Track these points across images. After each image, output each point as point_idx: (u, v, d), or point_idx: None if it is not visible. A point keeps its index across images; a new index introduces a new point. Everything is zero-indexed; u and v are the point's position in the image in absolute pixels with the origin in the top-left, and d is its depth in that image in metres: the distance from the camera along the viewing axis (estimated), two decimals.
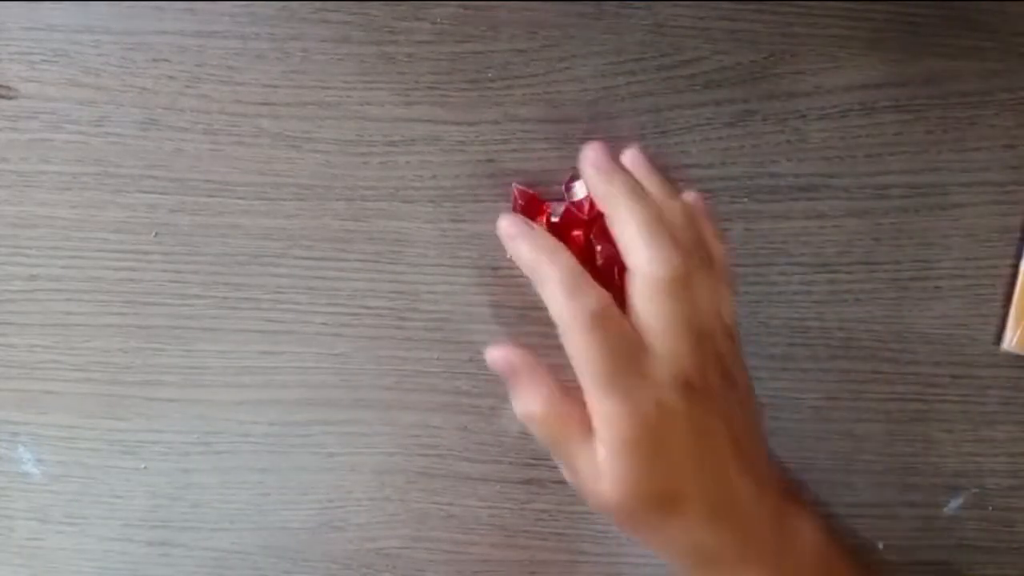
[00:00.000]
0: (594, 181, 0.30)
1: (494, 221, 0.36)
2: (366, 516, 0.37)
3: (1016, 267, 0.36)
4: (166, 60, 0.36)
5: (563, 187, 0.35)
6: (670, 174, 0.33)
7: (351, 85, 0.35)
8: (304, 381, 0.37)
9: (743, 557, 0.28)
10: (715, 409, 0.28)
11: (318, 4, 0.35)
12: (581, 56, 0.35)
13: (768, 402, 0.36)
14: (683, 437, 0.27)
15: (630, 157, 0.32)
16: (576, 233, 0.36)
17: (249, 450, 0.37)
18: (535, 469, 0.37)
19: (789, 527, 0.29)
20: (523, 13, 0.35)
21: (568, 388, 0.29)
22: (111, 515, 0.38)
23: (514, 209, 0.35)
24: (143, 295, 0.37)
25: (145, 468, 0.38)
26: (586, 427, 0.28)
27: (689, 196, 0.32)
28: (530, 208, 0.35)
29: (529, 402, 0.29)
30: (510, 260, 0.36)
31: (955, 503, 0.37)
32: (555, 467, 0.37)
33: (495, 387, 0.37)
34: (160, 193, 0.36)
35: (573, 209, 0.35)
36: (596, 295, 0.28)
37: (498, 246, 0.36)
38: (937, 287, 0.36)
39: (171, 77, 0.36)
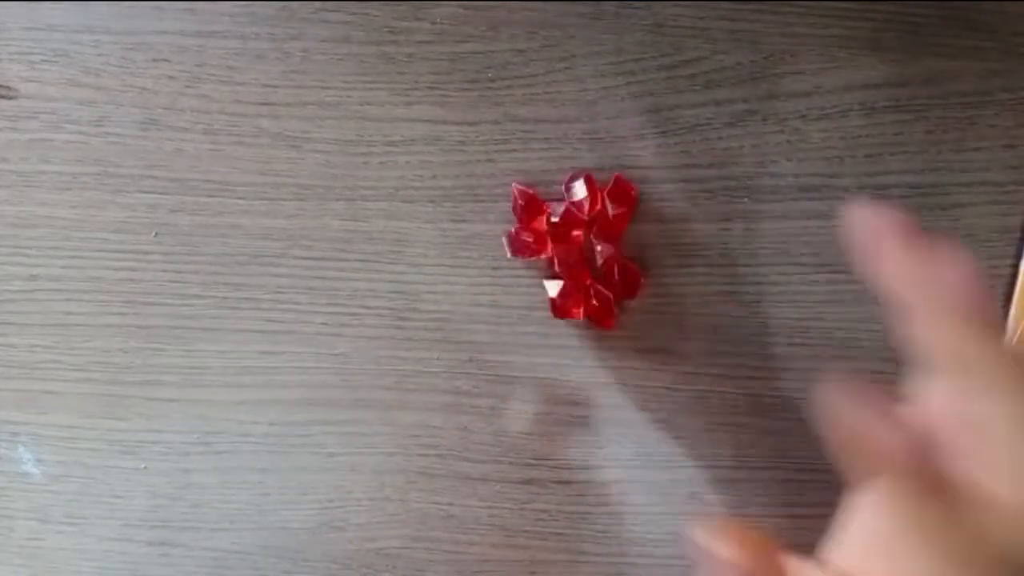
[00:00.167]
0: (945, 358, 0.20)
1: (494, 221, 0.36)
2: (366, 516, 0.37)
3: (1016, 267, 0.36)
4: (166, 60, 0.36)
5: (563, 187, 0.35)
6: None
7: (351, 85, 0.35)
8: (304, 381, 0.37)
9: None
10: None
11: (318, 4, 0.35)
12: (581, 56, 0.35)
13: (768, 402, 0.37)
14: None
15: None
16: (576, 233, 0.36)
17: (249, 450, 0.37)
18: (535, 469, 0.37)
19: None
20: (523, 13, 0.35)
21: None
22: (111, 515, 0.38)
23: (514, 209, 0.35)
24: (143, 295, 0.37)
25: (145, 468, 0.38)
26: None
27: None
28: (530, 208, 0.35)
29: None
30: (510, 260, 0.36)
31: None
32: (555, 467, 0.37)
33: (495, 387, 0.37)
34: (160, 193, 0.36)
35: (573, 209, 0.35)
36: None
37: (498, 246, 0.36)
38: None
39: (171, 77, 0.36)
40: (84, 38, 0.35)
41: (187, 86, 0.36)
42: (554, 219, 0.35)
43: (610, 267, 0.35)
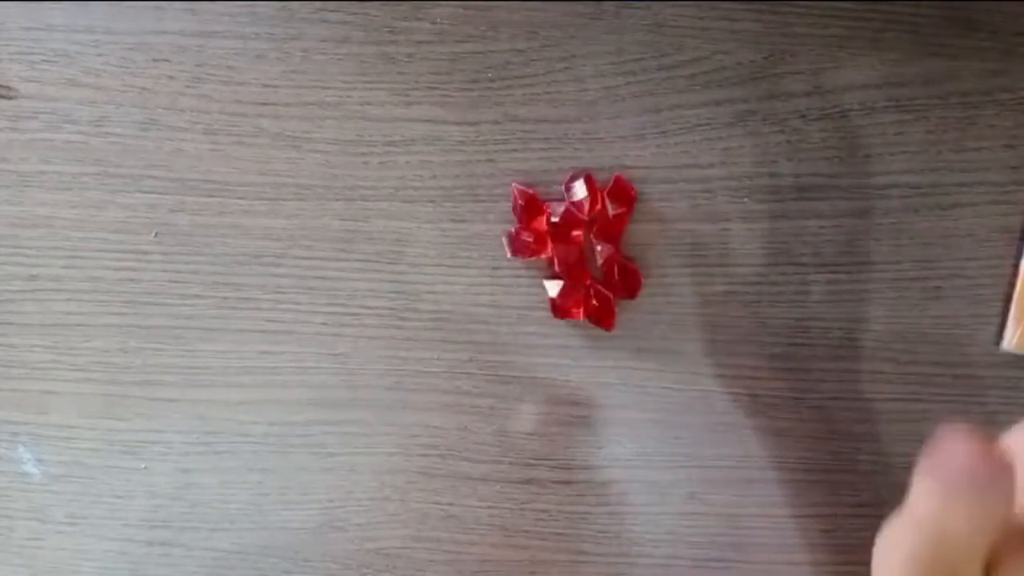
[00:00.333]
0: None
1: (494, 221, 0.36)
2: (366, 516, 0.38)
3: (1016, 267, 0.36)
4: (166, 60, 0.36)
5: (563, 187, 0.35)
6: None
7: (351, 85, 0.35)
8: (304, 381, 0.37)
9: None
10: None
11: (318, 4, 0.35)
12: (581, 56, 0.35)
13: (768, 402, 0.37)
14: None
15: None
16: (576, 233, 0.36)
17: (249, 450, 0.37)
18: (535, 469, 0.37)
19: None
20: (523, 13, 0.35)
21: None
22: (111, 515, 0.38)
23: (514, 209, 0.35)
24: (143, 295, 0.37)
25: (145, 468, 0.38)
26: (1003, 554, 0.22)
27: None
28: (530, 208, 0.35)
29: (969, 518, 0.22)
30: (510, 260, 0.36)
31: None
32: (555, 467, 0.37)
33: (495, 387, 0.37)
34: (160, 193, 0.36)
35: (573, 209, 0.35)
36: None
37: (498, 246, 0.36)
38: (937, 287, 0.36)
39: (171, 77, 0.36)
40: (84, 38, 0.35)
41: (187, 86, 0.36)
42: (554, 219, 0.35)
43: (610, 267, 0.35)
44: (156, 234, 0.37)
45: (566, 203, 0.35)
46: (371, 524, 0.37)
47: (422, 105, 0.36)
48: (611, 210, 0.35)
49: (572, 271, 0.35)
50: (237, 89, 0.36)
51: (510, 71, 0.35)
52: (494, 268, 0.36)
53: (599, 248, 0.36)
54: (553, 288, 0.35)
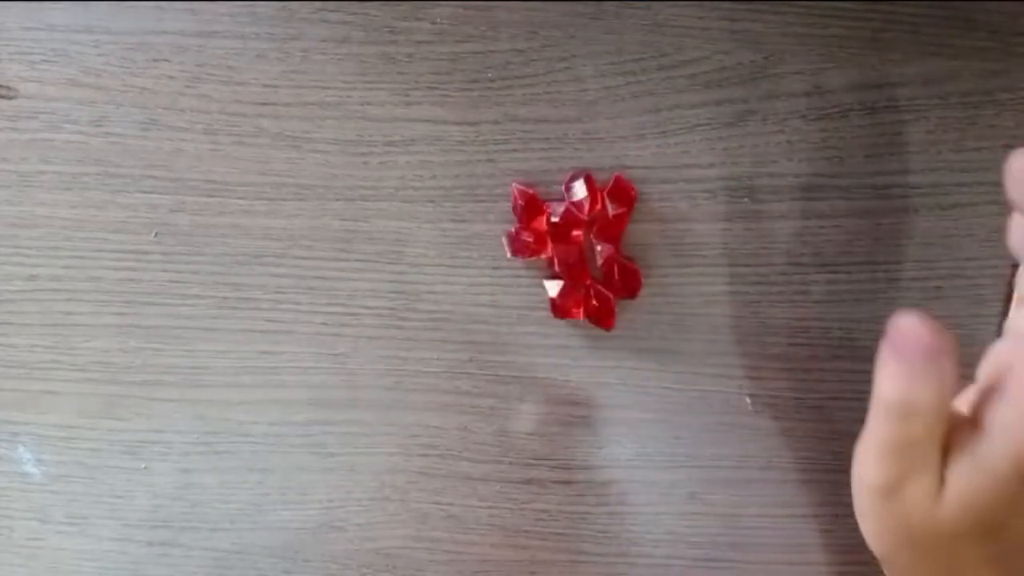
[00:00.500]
0: None
1: (494, 221, 0.36)
2: (366, 516, 0.38)
3: (1016, 267, 0.36)
4: (166, 60, 0.36)
5: (563, 187, 0.35)
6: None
7: (351, 85, 0.35)
8: (304, 381, 0.37)
9: None
10: None
11: (318, 4, 0.35)
12: (581, 56, 0.35)
13: (768, 402, 0.37)
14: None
15: None
16: (576, 233, 0.36)
17: (249, 450, 0.37)
18: (535, 469, 0.37)
19: None
20: (523, 13, 0.35)
21: None
22: (111, 515, 0.38)
23: (514, 209, 0.35)
24: (143, 295, 0.37)
25: (145, 468, 0.38)
26: (955, 441, 0.27)
27: None
28: (530, 208, 0.35)
29: (925, 391, 0.26)
30: (510, 260, 0.36)
31: None
32: (555, 467, 0.37)
33: (495, 387, 0.37)
34: (160, 193, 0.36)
35: (573, 209, 0.35)
36: None
37: (498, 246, 0.36)
38: (937, 287, 0.36)
39: (171, 77, 0.36)
40: (84, 38, 0.35)
41: (187, 86, 0.36)
42: (554, 219, 0.35)
43: (610, 267, 0.35)
44: (156, 234, 0.37)
45: (566, 203, 0.35)
46: (371, 524, 0.37)
47: (422, 105, 0.36)
48: (611, 210, 0.35)
49: (572, 271, 0.35)
50: (237, 89, 0.36)
51: (510, 71, 0.35)
52: (494, 268, 0.36)
53: (599, 248, 0.36)
54: (553, 288, 0.35)
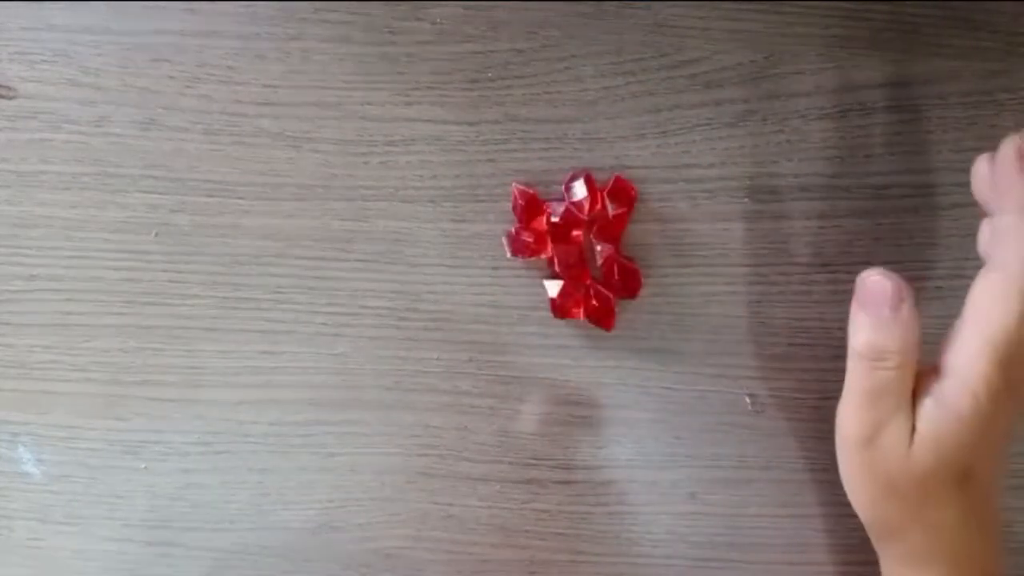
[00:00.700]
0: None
1: (494, 221, 0.36)
2: (366, 516, 0.38)
3: None
4: (166, 60, 0.36)
5: (563, 187, 0.35)
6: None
7: (351, 85, 0.35)
8: (304, 381, 0.37)
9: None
10: None
11: (318, 4, 0.35)
12: (581, 56, 0.35)
13: (768, 402, 0.37)
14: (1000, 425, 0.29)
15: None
16: (576, 233, 0.36)
17: (249, 450, 0.37)
18: (535, 469, 0.37)
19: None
20: (523, 13, 0.35)
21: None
22: (111, 515, 0.38)
23: (514, 209, 0.35)
24: (143, 295, 0.37)
25: (145, 468, 0.38)
26: (921, 388, 0.30)
27: None
28: (530, 208, 0.35)
29: (891, 336, 0.29)
30: (510, 260, 0.36)
31: None
32: (555, 467, 0.37)
33: (495, 387, 0.37)
34: (160, 193, 0.36)
35: (573, 209, 0.35)
36: None
37: (498, 246, 0.36)
38: (937, 287, 0.36)
39: (171, 77, 0.36)
40: (84, 38, 0.35)
41: (187, 86, 0.36)
42: (554, 219, 0.35)
43: (610, 267, 0.35)
44: (156, 234, 0.37)
45: (566, 203, 0.35)
46: (371, 524, 0.37)
47: (422, 105, 0.36)
48: (611, 210, 0.35)
49: (572, 271, 0.35)
50: (237, 89, 0.36)
51: (510, 71, 0.35)
52: (494, 268, 0.36)
53: (599, 248, 0.36)
54: (553, 288, 0.35)
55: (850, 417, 0.31)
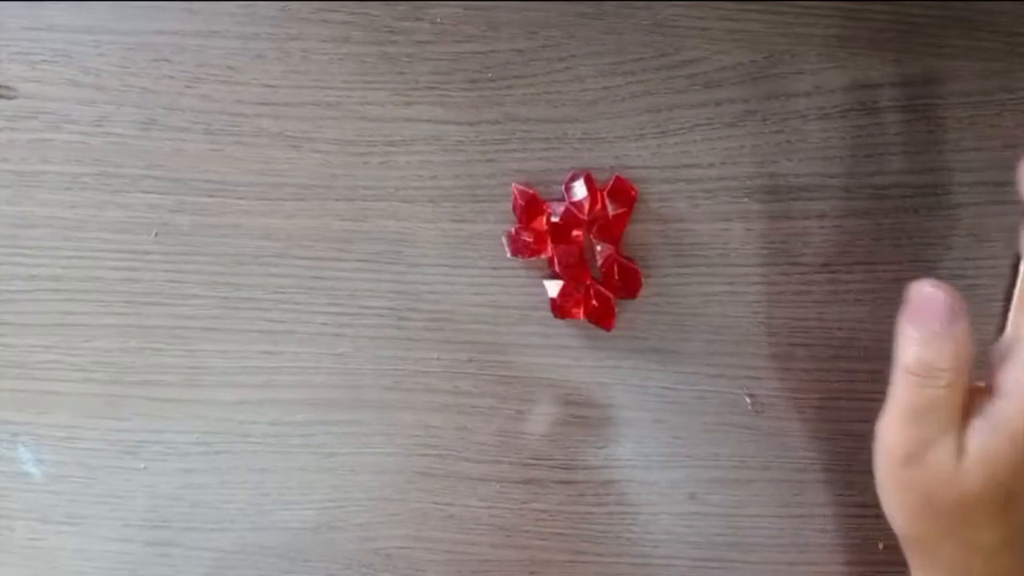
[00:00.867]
0: None
1: (494, 221, 0.36)
2: (366, 516, 0.38)
3: (1016, 267, 0.36)
4: (166, 60, 0.36)
5: (563, 187, 0.35)
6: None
7: (351, 85, 0.35)
8: (304, 381, 0.37)
9: None
10: None
11: (318, 4, 0.35)
12: (581, 56, 0.35)
13: (768, 402, 0.37)
14: None
15: None
16: (576, 233, 0.36)
17: (249, 450, 0.37)
18: (535, 469, 0.37)
19: None
20: (523, 13, 0.35)
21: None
22: (111, 515, 0.38)
23: (514, 209, 0.35)
24: (143, 295, 0.37)
25: (145, 468, 0.38)
26: (973, 407, 0.28)
27: None
28: (530, 208, 0.35)
29: (942, 353, 0.28)
30: (510, 260, 0.36)
31: None
32: (555, 467, 0.37)
33: (495, 387, 0.37)
34: (160, 193, 0.36)
35: (573, 209, 0.35)
36: None
37: (498, 246, 0.36)
38: None
39: (171, 77, 0.36)
40: (84, 38, 0.35)
41: (187, 86, 0.36)
42: (554, 219, 0.35)
43: (610, 267, 0.35)
44: (156, 234, 0.37)
45: (566, 203, 0.35)
46: (371, 524, 0.37)
47: (422, 105, 0.36)
48: (611, 210, 0.35)
49: (572, 271, 0.35)
50: (237, 89, 0.36)
51: (510, 71, 0.35)
52: (494, 268, 0.36)
53: (599, 248, 0.36)
54: (553, 288, 0.35)
55: (894, 432, 0.29)
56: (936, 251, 0.36)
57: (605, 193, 0.35)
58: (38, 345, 0.37)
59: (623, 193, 0.35)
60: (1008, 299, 0.36)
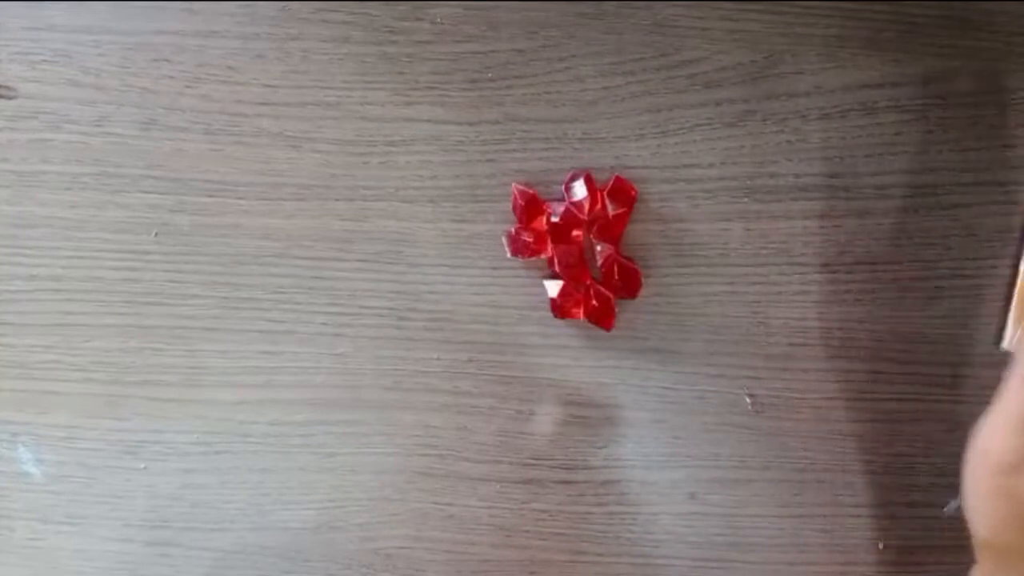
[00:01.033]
0: None
1: (494, 221, 0.36)
2: (366, 516, 0.38)
3: (1016, 267, 0.36)
4: (166, 60, 0.36)
5: (563, 187, 0.35)
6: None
7: (351, 85, 0.35)
8: (304, 381, 0.37)
9: None
10: None
11: (318, 4, 0.35)
12: (581, 56, 0.35)
13: (768, 402, 0.37)
14: None
15: None
16: (576, 233, 0.36)
17: (249, 450, 0.37)
18: (535, 469, 0.37)
19: None
20: (523, 13, 0.35)
21: None
22: (111, 515, 0.38)
23: (514, 209, 0.35)
24: (143, 295, 0.37)
25: (145, 468, 0.38)
26: None
27: None
28: (530, 208, 0.35)
29: None
30: (510, 260, 0.36)
31: (955, 503, 0.37)
32: (555, 467, 0.37)
33: (495, 387, 0.37)
34: (160, 193, 0.36)
35: (573, 209, 0.35)
36: None
37: (498, 246, 0.36)
38: (937, 287, 0.36)
39: (171, 77, 0.36)
40: (84, 38, 0.35)
41: (187, 86, 0.36)
42: (554, 219, 0.35)
43: (610, 267, 0.35)
44: (156, 234, 0.37)
45: (566, 203, 0.35)
46: (371, 524, 0.37)
47: (422, 105, 0.36)
48: (611, 210, 0.35)
49: (572, 271, 0.35)
50: (237, 89, 0.36)
51: (510, 71, 0.35)
52: (494, 268, 0.36)
53: (599, 248, 0.36)
54: (553, 288, 0.35)
55: (1000, 440, 0.28)
56: (936, 251, 0.36)
57: (605, 193, 0.35)
58: (38, 345, 0.37)
59: (623, 193, 0.35)
60: (1008, 299, 0.36)
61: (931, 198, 0.36)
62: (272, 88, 0.36)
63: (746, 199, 0.36)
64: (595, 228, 0.35)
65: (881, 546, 0.37)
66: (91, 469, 0.38)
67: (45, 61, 0.36)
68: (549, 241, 0.35)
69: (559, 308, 0.36)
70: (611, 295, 0.35)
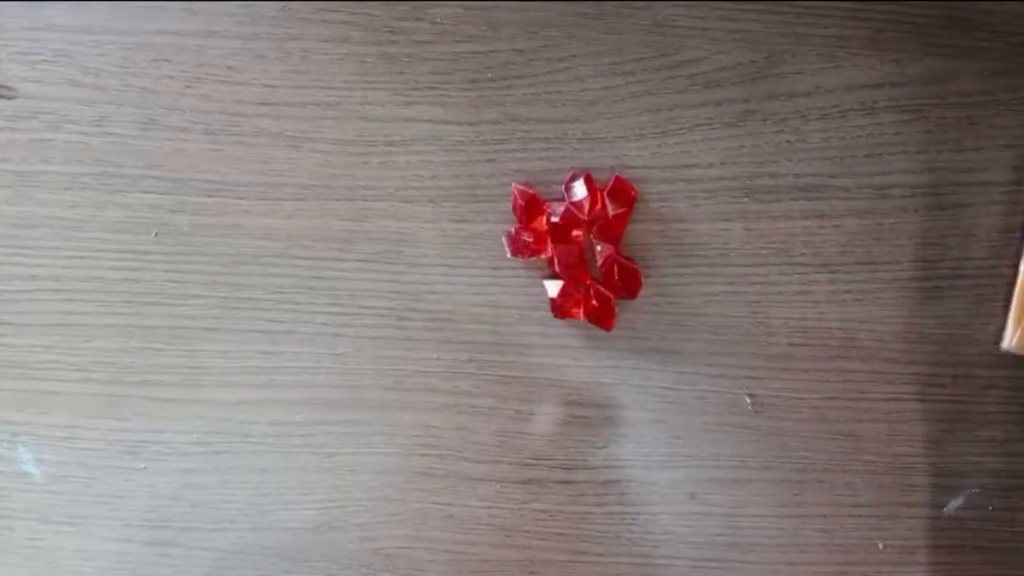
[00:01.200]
0: None
1: (494, 221, 0.36)
2: (366, 516, 0.38)
3: (1016, 267, 0.36)
4: (166, 60, 0.36)
5: (563, 187, 0.35)
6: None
7: (351, 85, 0.35)
8: (304, 381, 0.37)
9: None
10: None
11: (318, 4, 0.35)
12: (581, 56, 0.35)
13: (768, 402, 0.37)
14: None
15: None
16: (576, 233, 0.36)
17: (249, 450, 0.37)
18: (535, 469, 0.37)
19: None
20: (523, 13, 0.35)
21: None
22: (111, 515, 0.38)
23: (514, 209, 0.35)
24: (143, 295, 0.37)
25: (145, 468, 0.38)
26: None
27: None
28: (530, 208, 0.35)
29: None
30: (510, 260, 0.36)
31: (955, 503, 0.37)
32: (555, 467, 0.37)
33: (495, 387, 0.37)
34: (160, 193, 0.36)
35: (573, 209, 0.35)
36: None
37: (498, 246, 0.36)
38: (937, 287, 0.36)
39: (171, 77, 0.36)
40: (84, 38, 0.35)
41: (187, 86, 0.36)
42: (554, 219, 0.35)
43: (610, 267, 0.35)
44: (156, 234, 0.37)
45: (566, 203, 0.35)
46: (371, 524, 0.37)
47: (422, 105, 0.36)
48: (611, 210, 0.35)
49: (572, 271, 0.35)
50: (237, 89, 0.36)
51: (510, 71, 0.35)
52: (494, 268, 0.36)
53: (599, 248, 0.36)
54: (553, 288, 0.36)
55: None
56: (936, 251, 0.36)
57: (605, 193, 0.35)
58: (38, 345, 0.37)
59: (623, 193, 0.35)
60: (1008, 299, 0.36)
61: (931, 198, 0.36)
62: (272, 88, 0.36)
63: (746, 199, 0.36)
64: (595, 228, 0.35)
65: (881, 546, 0.37)
66: (91, 469, 0.38)
67: (45, 61, 0.36)
68: (549, 241, 0.35)
69: (559, 308, 0.36)
70: (611, 295, 0.35)
